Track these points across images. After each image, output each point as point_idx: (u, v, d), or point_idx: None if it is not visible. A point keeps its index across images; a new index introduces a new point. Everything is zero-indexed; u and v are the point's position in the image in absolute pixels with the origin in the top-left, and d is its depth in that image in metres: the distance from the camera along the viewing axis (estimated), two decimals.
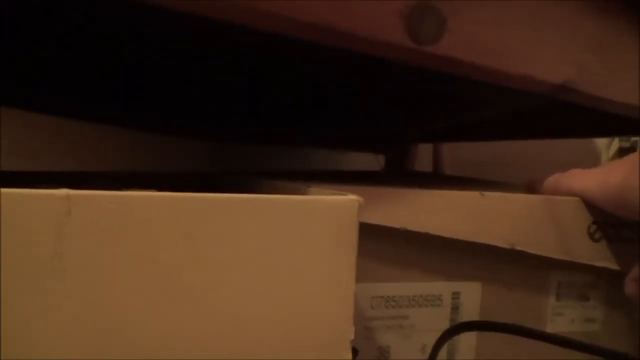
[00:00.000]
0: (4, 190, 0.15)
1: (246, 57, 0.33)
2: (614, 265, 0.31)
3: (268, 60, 0.33)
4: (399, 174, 0.59)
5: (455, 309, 0.29)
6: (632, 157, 0.29)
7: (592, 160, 0.79)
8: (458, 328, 0.28)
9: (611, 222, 0.31)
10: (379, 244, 0.28)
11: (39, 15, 0.27)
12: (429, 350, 0.29)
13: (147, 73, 0.36)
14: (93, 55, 0.33)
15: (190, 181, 0.43)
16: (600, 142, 0.79)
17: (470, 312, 0.30)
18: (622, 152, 0.75)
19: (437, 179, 0.54)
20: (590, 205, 0.31)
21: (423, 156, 0.75)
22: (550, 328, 0.32)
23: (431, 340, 0.28)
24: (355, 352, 0.21)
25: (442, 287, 0.29)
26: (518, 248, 0.29)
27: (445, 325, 0.29)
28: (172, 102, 0.43)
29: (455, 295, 0.29)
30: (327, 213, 0.20)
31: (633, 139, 0.75)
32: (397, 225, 0.27)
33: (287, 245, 0.19)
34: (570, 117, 0.43)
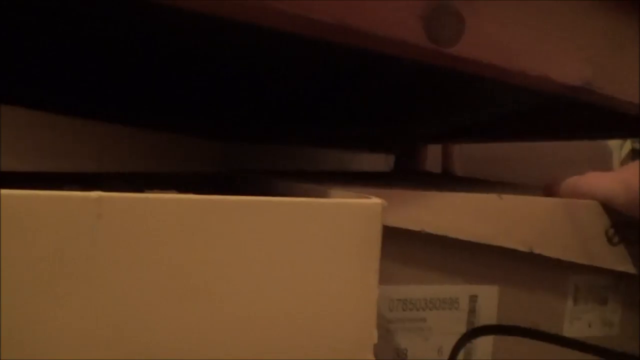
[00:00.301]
0: (37, 192, 0.16)
1: (253, 56, 0.32)
2: (632, 269, 0.31)
3: (275, 60, 0.33)
4: (411, 175, 0.59)
5: (472, 312, 0.29)
6: None
7: (602, 160, 0.79)
8: (476, 332, 0.28)
9: (630, 225, 0.31)
10: (397, 246, 0.28)
11: (42, 13, 0.27)
12: (446, 352, 0.29)
13: (153, 72, 0.36)
14: (98, 54, 0.33)
15: (199, 181, 0.43)
16: (612, 143, 0.78)
17: (487, 315, 0.30)
18: (634, 154, 0.74)
19: (451, 180, 0.54)
20: (608, 208, 0.31)
21: (431, 155, 0.75)
22: (568, 332, 0.31)
23: (448, 343, 0.28)
24: None
25: (459, 290, 0.29)
26: (536, 251, 0.29)
27: (462, 328, 0.29)
28: (177, 101, 0.43)
29: (473, 299, 0.29)
30: (352, 216, 0.20)
31: None
32: (415, 228, 0.27)
33: (310, 248, 0.19)
34: (579, 117, 0.43)
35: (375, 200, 0.20)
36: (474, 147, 0.75)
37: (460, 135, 0.66)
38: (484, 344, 0.30)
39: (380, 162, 0.73)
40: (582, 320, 0.32)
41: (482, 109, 0.47)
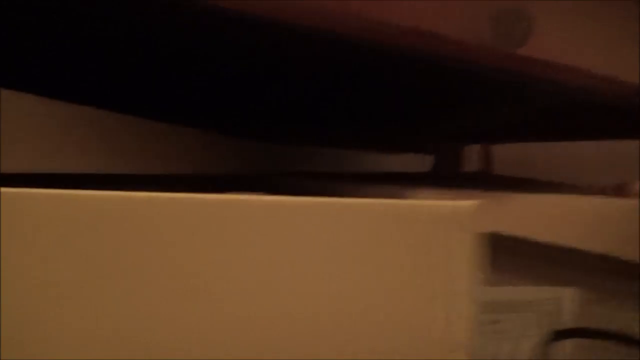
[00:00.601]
0: (38, 191, 0.16)
1: (277, 53, 0.32)
2: None
3: (302, 57, 0.33)
4: (461, 176, 0.59)
5: (548, 315, 0.29)
6: None
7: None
8: (560, 334, 0.28)
9: None
10: None
11: (44, 13, 0.27)
12: (520, 355, 0.28)
13: (155, 70, 0.36)
14: (100, 53, 0.33)
15: (232, 182, 0.42)
16: None
17: (563, 318, 0.29)
18: None
19: (509, 181, 0.53)
20: None
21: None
22: None
23: (523, 345, 0.28)
24: None
25: (535, 293, 0.29)
26: (614, 254, 0.29)
27: (536, 331, 0.29)
28: (195, 96, 0.42)
29: (549, 301, 0.29)
30: (447, 219, 0.20)
31: None
32: (492, 230, 0.27)
33: (393, 253, 0.19)
34: (624, 118, 0.43)
35: (470, 202, 0.20)
36: (502, 147, 0.74)
37: (501, 135, 0.65)
38: (562, 347, 0.29)
39: (392, 162, 0.72)
40: None
41: (526, 108, 0.47)
